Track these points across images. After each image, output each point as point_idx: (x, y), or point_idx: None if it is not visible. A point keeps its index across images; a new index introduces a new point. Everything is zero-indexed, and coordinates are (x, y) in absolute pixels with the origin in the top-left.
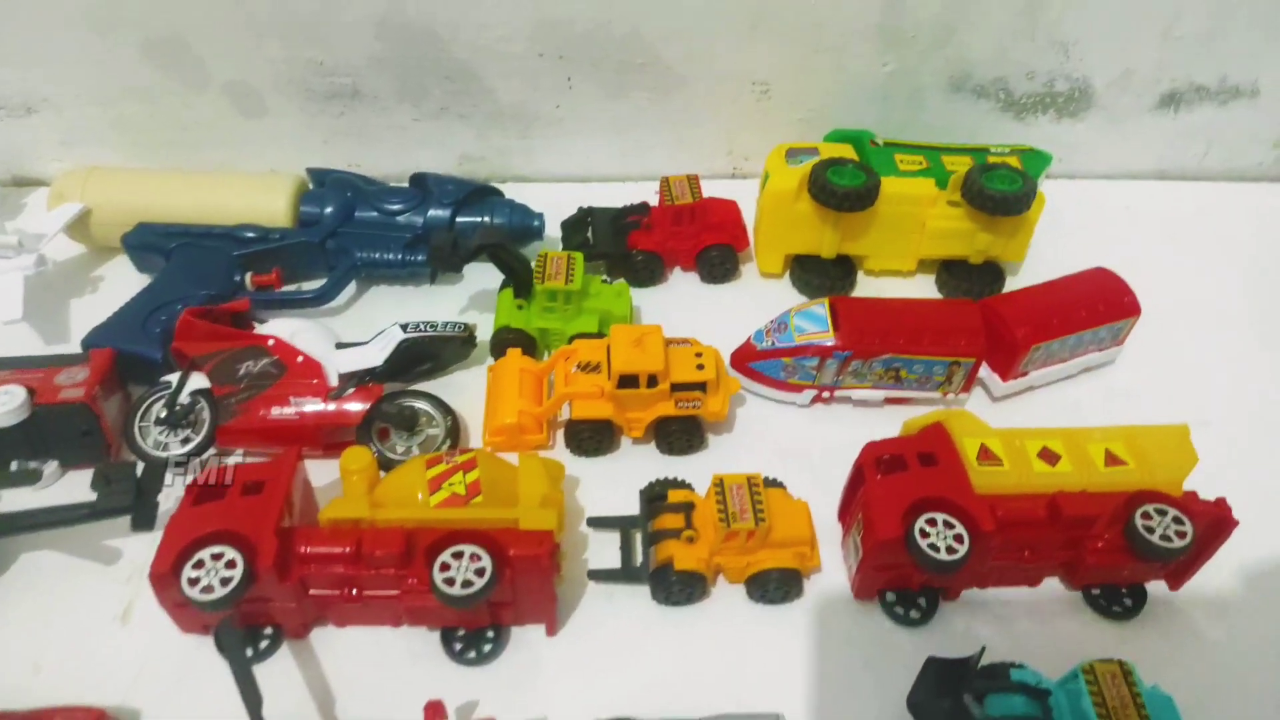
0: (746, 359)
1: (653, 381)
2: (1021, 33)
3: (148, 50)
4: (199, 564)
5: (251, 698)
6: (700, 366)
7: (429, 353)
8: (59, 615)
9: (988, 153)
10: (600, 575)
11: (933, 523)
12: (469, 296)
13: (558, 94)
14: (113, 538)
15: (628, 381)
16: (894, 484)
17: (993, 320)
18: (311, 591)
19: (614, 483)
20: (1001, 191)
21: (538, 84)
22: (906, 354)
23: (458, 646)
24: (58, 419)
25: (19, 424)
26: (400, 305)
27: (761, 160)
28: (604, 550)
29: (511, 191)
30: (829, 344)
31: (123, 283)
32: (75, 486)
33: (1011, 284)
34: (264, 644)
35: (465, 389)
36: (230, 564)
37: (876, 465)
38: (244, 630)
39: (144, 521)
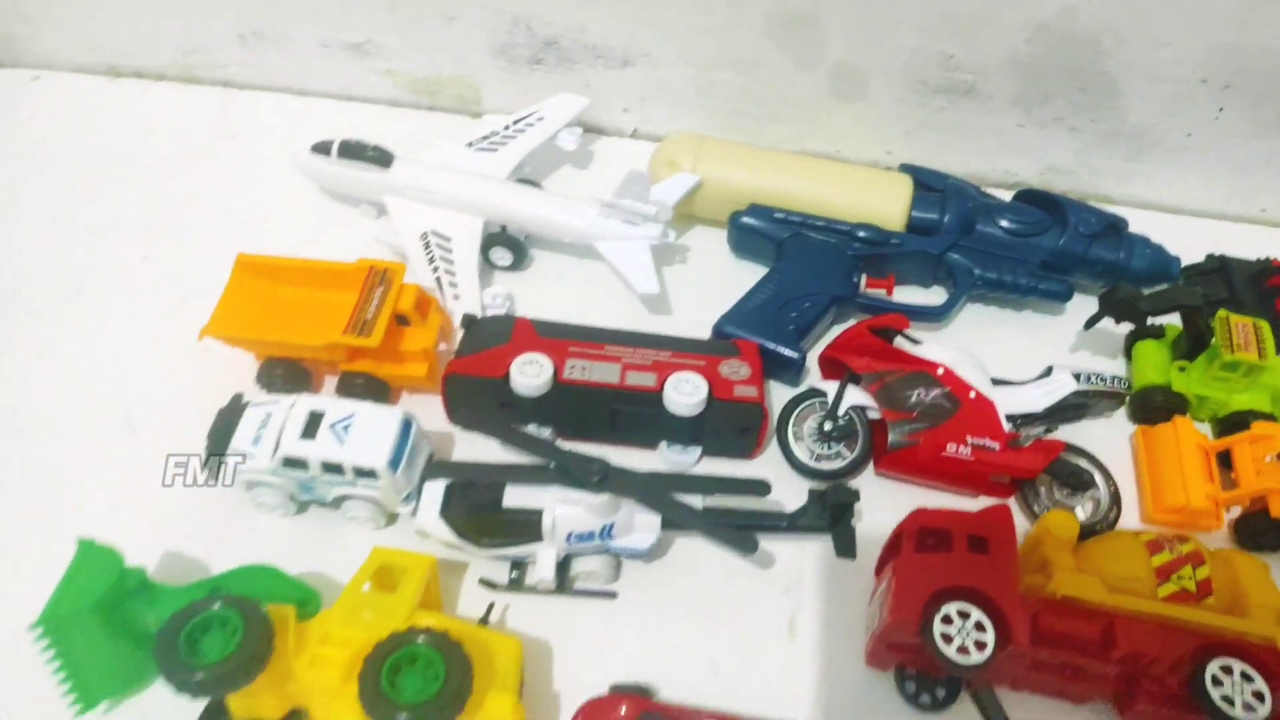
0: None
1: None
2: None
3: (773, 22)
4: (947, 619)
5: None
6: None
7: (1085, 404)
8: (724, 613)
9: None
10: None
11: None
12: (1075, 333)
13: (1197, 123)
14: (770, 541)
15: None
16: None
17: None
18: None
19: None
20: None
21: (1180, 110)
22: None
23: None
24: (727, 415)
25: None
26: (999, 330)
27: None
28: None
29: None
30: None
31: (710, 258)
32: None
33: None
34: (941, 693)
35: (1093, 442)
36: (979, 626)
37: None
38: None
39: (845, 549)
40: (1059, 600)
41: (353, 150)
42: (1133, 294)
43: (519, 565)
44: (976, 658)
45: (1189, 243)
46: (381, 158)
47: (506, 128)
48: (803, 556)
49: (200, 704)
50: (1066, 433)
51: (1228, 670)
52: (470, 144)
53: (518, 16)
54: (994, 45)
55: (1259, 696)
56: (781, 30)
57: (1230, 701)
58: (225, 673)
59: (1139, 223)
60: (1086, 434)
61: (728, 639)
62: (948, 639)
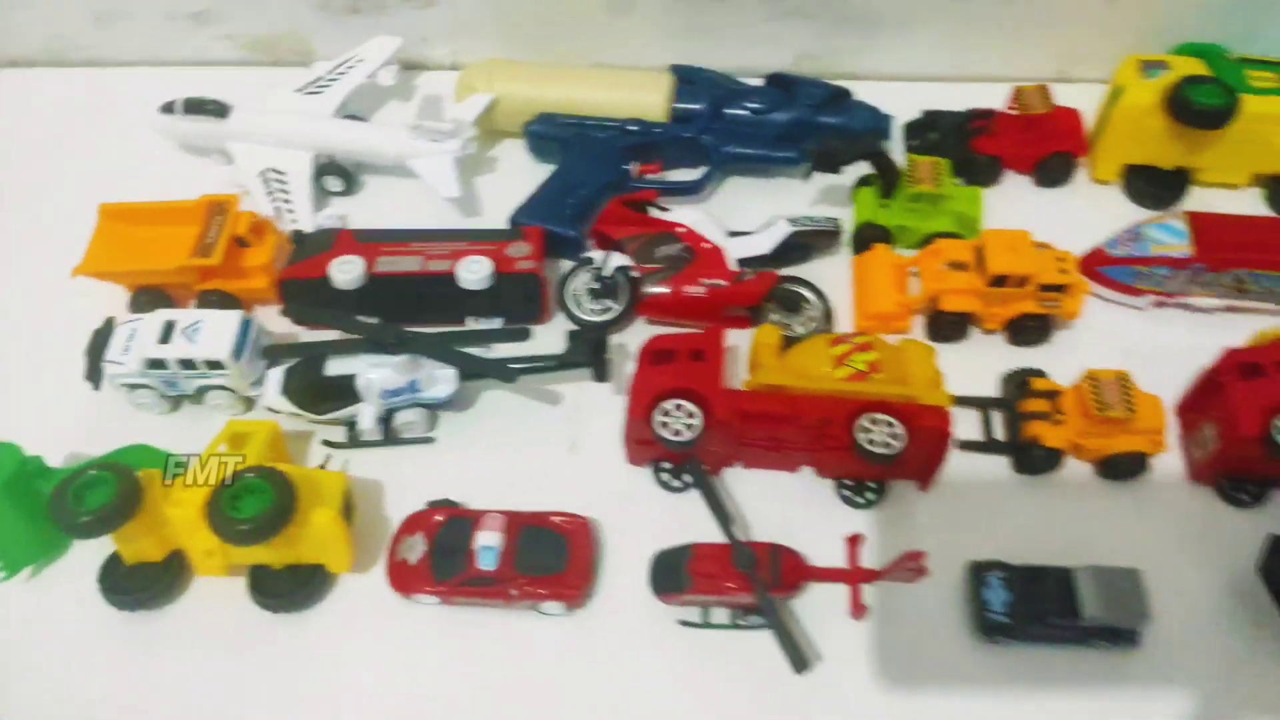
0: (1096, 264)
1: (1022, 282)
2: None
3: None
4: (666, 412)
5: (723, 513)
6: (1063, 270)
7: (805, 244)
8: (520, 442)
9: None
10: (971, 446)
11: None
12: (817, 190)
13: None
14: (553, 384)
15: (1000, 281)
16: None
17: None
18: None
19: (966, 366)
20: None
21: None
22: (1258, 269)
23: (846, 493)
24: (512, 286)
25: (484, 289)
26: (756, 195)
27: (1090, 66)
28: (963, 423)
29: None
30: (1186, 256)
31: (513, 164)
32: None
33: None
34: (687, 479)
35: (824, 275)
36: (690, 414)
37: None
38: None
39: (601, 375)
40: (759, 390)
41: (194, 106)
42: (831, 148)
43: (352, 426)
44: (687, 436)
45: (916, 103)
46: (219, 109)
47: (330, 72)
48: (581, 393)
49: (100, 557)
50: (801, 270)
51: (875, 421)
52: (299, 90)
53: None
54: None
55: (896, 437)
56: None
57: (874, 443)
58: (104, 515)
59: (874, 93)
60: (820, 270)
61: (522, 461)
62: (666, 425)
